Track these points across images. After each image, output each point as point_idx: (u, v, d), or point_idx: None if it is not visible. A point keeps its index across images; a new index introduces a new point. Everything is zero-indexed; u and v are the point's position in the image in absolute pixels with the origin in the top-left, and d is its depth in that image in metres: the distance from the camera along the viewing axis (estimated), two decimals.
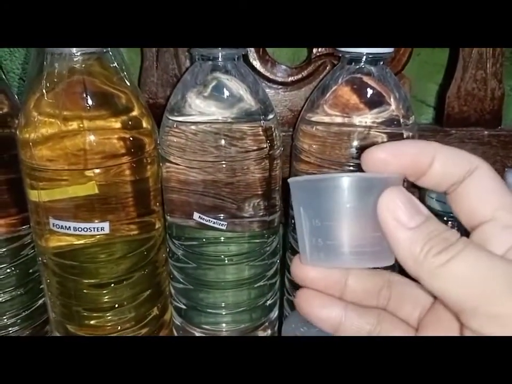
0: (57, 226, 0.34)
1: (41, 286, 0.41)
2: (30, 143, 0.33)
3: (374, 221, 0.20)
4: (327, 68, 0.45)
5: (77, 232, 0.34)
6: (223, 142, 0.35)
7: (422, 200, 0.43)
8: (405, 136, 0.37)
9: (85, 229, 0.34)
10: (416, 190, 0.45)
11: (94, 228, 0.34)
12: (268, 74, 0.46)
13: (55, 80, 0.32)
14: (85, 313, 0.39)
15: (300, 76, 0.46)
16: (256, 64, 0.45)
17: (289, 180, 0.22)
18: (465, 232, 0.43)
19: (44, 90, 0.33)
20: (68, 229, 0.34)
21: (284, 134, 0.40)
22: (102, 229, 0.34)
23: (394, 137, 0.37)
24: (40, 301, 0.43)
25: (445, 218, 0.41)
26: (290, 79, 0.46)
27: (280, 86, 0.46)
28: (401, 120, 0.36)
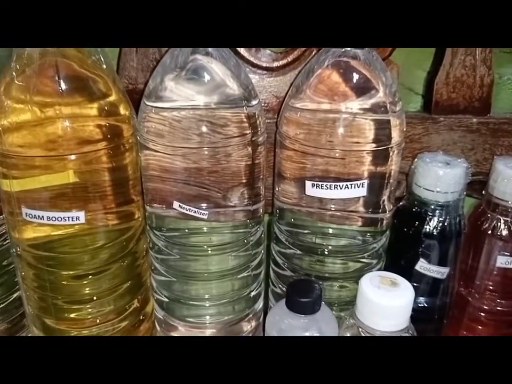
0: (30, 216, 0.33)
1: (16, 279, 0.40)
2: (0, 129, 0.31)
3: None
4: (313, 52, 0.44)
5: (51, 222, 0.33)
6: (204, 128, 0.33)
7: (410, 188, 0.42)
8: (392, 123, 0.36)
9: (59, 219, 0.33)
10: (404, 177, 0.44)
11: (68, 217, 0.33)
12: (252, 59, 0.44)
13: (26, 62, 0.31)
14: (63, 306, 0.38)
15: (285, 61, 0.45)
16: (240, 48, 0.44)
17: None
18: (455, 221, 0.42)
19: (14, 73, 0.31)
20: (41, 219, 0.33)
21: (268, 121, 0.39)
22: (77, 218, 0.33)
23: (381, 124, 0.36)
24: (16, 294, 0.42)
25: (432, 207, 0.41)
26: (275, 64, 0.45)
27: (264, 72, 0.45)
28: (388, 106, 0.35)
